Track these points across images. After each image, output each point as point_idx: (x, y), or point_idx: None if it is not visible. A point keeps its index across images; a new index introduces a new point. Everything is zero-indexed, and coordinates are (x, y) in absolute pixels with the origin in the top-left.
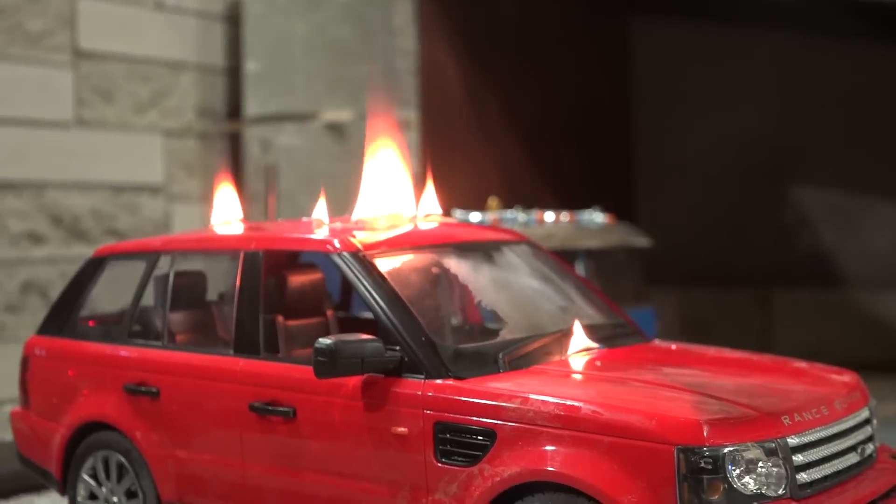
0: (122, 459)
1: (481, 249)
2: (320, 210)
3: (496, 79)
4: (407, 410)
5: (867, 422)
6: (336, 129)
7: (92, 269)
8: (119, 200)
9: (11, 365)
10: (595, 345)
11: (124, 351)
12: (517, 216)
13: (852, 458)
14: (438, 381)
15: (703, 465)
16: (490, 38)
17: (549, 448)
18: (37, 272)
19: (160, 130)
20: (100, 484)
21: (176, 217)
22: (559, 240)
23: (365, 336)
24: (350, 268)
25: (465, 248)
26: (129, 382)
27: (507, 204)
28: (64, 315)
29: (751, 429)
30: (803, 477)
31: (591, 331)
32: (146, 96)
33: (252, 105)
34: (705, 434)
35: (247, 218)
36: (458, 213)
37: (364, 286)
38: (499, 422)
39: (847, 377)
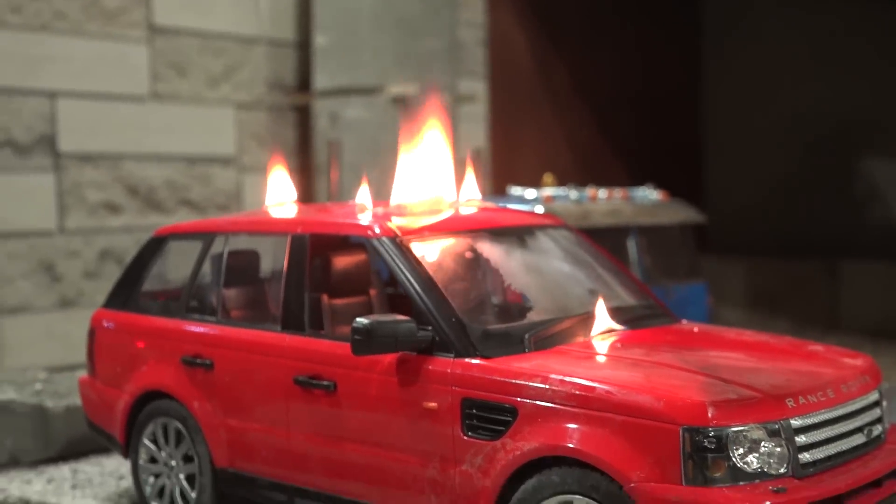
0: (180, 426)
1: (515, 234)
2: (364, 194)
3: (565, 50)
4: (437, 387)
5: (877, 404)
6: (402, 103)
7: (153, 248)
8: (192, 171)
9: (86, 331)
10: (619, 326)
11: (182, 325)
12: (569, 193)
13: (858, 439)
14: (466, 360)
15: (706, 444)
16: (558, 8)
17: (565, 425)
18: (113, 241)
19: (232, 103)
20: (159, 448)
21: (247, 187)
22: (611, 217)
23: (399, 317)
24: (388, 252)
25: (500, 233)
26: (186, 354)
27: (575, 177)
28: (127, 290)
29: (754, 410)
30: (806, 457)
31: (617, 312)
32: (219, 70)
33: (321, 78)
34: (710, 415)
35: (311, 191)
36: (514, 190)
37: (400, 269)
38: (520, 399)
39: (860, 361)
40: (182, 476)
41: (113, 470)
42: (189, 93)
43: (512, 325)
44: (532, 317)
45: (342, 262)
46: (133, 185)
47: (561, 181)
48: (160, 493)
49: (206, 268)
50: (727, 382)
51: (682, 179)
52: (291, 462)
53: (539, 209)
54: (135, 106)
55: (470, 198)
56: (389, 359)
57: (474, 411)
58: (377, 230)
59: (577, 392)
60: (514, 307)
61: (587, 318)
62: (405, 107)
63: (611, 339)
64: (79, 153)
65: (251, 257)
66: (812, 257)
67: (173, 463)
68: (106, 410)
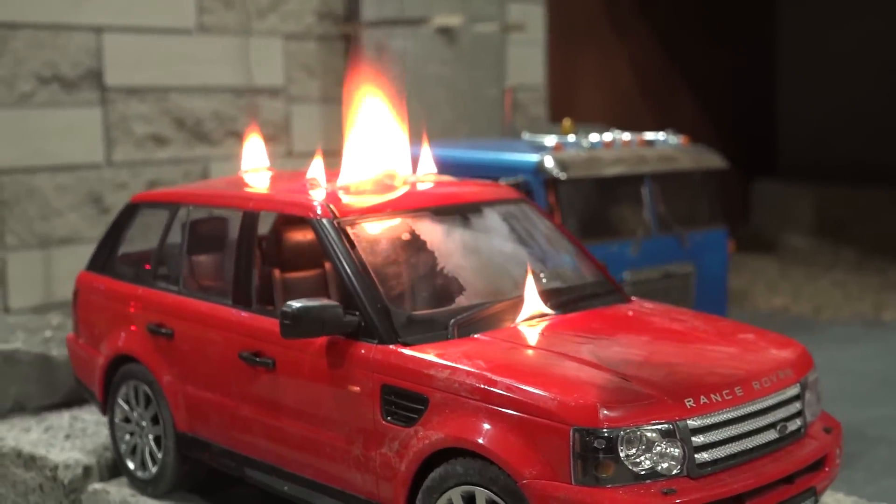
0: (147, 390)
1: (461, 212)
2: (317, 167)
3: None
4: (360, 371)
5: (796, 398)
6: (447, 34)
7: (128, 214)
8: (240, 103)
9: None
10: (549, 311)
11: (148, 293)
12: (581, 141)
13: (769, 436)
14: (388, 347)
15: (596, 445)
16: None
17: (469, 418)
18: (161, 172)
19: (280, 34)
20: (132, 409)
21: (295, 118)
22: (621, 165)
23: (327, 301)
24: (325, 234)
25: (444, 212)
26: (151, 322)
27: (640, 102)
28: (105, 254)
29: (648, 411)
30: (703, 456)
31: (552, 295)
32: (265, 1)
33: (368, 9)
34: (600, 416)
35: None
36: (527, 136)
37: (334, 252)
38: (431, 389)
39: (787, 352)
40: (151, 437)
41: (104, 419)
42: (236, 24)
43: (437, 312)
44: (461, 301)
45: (294, 237)
46: (180, 117)
47: (623, 109)
48: (133, 450)
49: (172, 238)
50: (628, 380)
51: (752, 104)
52: (239, 433)
53: (548, 159)
54: (181, 39)
55: (426, 171)
56: (321, 341)
57: (392, 398)
58: (318, 211)
59: (480, 386)
60: (446, 291)
61: (517, 303)
62: (450, 38)
63: (536, 325)
64: (125, 87)
65: (210, 230)
66: (882, 185)
67: (143, 424)
68: (87, 368)
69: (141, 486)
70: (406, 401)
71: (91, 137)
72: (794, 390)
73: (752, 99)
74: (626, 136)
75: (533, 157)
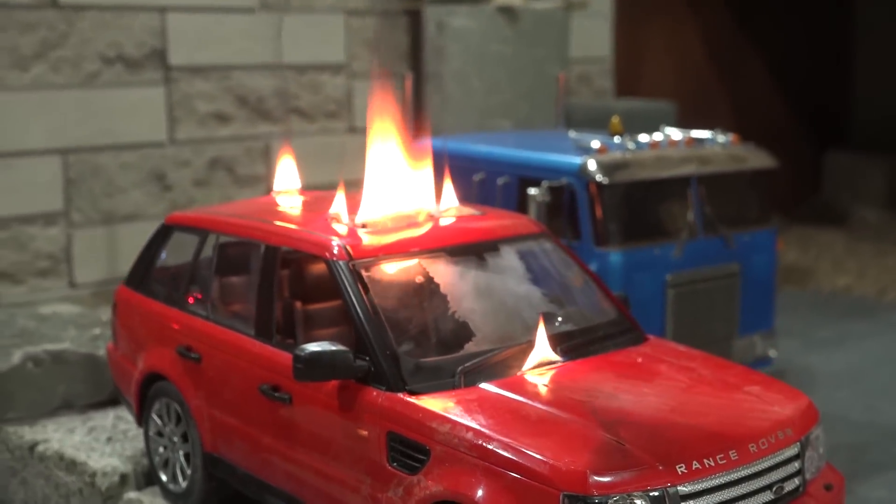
0: (178, 408)
1: (477, 251)
2: (340, 202)
3: None
4: (368, 416)
5: (796, 457)
6: (507, 12)
7: (162, 235)
8: (302, 80)
9: None
10: (557, 358)
11: (179, 315)
12: (626, 142)
13: (764, 498)
14: (395, 394)
15: None
16: None
17: (466, 473)
18: (223, 150)
19: (342, 10)
20: (164, 424)
21: (357, 94)
22: (668, 167)
23: (339, 347)
24: (340, 276)
25: (460, 252)
26: (181, 345)
27: (708, 76)
28: (141, 271)
29: (638, 479)
30: None
31: (561, 340)
32: None
33: None
34: (590, 482)
35: (422, 96)
36: (573, 134)
37: (348, 295)
38: (432, 441)
39: (789, 409)
40: (181, 453)
41: None
42: (298, 1)
43: (444, 359)
44: (470, 348)
45: (315, 269)
46: (242, 95)
47: (692, 81)
48: (165, 463)
49: (202, 262)
50: (622, 442)
51: (826, 73)
52: (259, 461)
53: (591, 162)
54: (244, 17)
55: (448, 205)
56: (333, 383)
57: (397, 445)
58: (334, 252)
59: (478, 443)
60: (456, 337)
61: (525, 349)
62: (510, 16)
63: (542, 375)
64: (189, 66)
65: (240, 258)
66: None
67: (175, 440)
68: (124, 380)
69: (172, 498)
70: (410, 450)
71: (154, 116)
72: (793, 450)
73: (826, 68)
74: (675, 135)
75: (576, 160)
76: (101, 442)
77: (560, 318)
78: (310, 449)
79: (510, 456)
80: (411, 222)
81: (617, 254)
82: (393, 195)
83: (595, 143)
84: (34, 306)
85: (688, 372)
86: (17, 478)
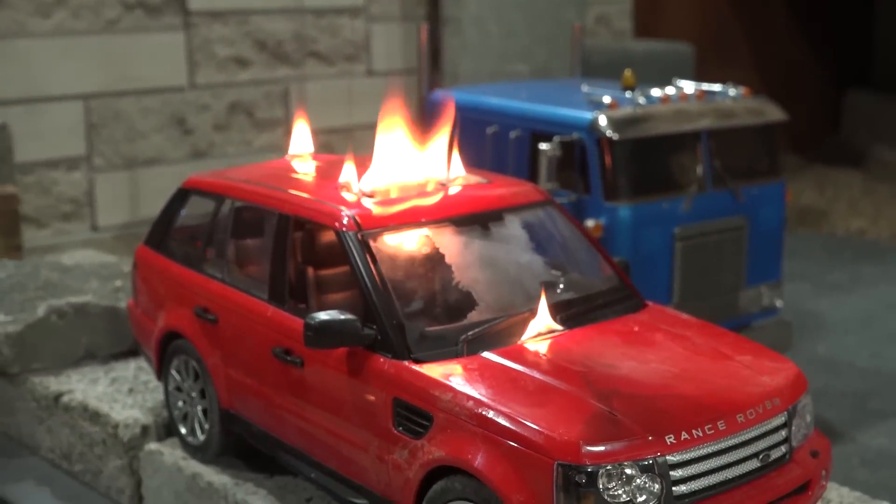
0: (196, 366)
1: (483, 221)
2: (349, 170)
3: None
4: (375, 382)
5: (783, 425)
6: None
7: (179, 198)
8: (320, 23)
9: None
10: (557, 327)
11: (196, 278)
12: (638, 98)
13: (750, 465)
14: (401, 362)
15: (577, 479)
16: None
17: (467, 440)
18: (242, 94)
19: None
20: (183, 380)
21: (375, 37)
22: (678, 122)
23: (347, 315)
24: (349, 246)
25: (466, 222)
26: (198, 306)
27: (728, 18)
28: (160, 233)
29: (629, 449)
30: (681, 489)
31: (564, 308)
32: None
33: None
34: (582, 452)
35: (439, 41)
36: (585, 88)
37: (357, 265)
38: (435, 409)
39: (779, 378)
40: (199, 408)
41: None
42: None
43: (449, 328)
44: (473, 317)
45: (327, 235)
46: (261, 39)
47: (711, 22)
48: (185, 417)
49: (219, 226)
50: (615, 413)
51: (847, 12)
52: (273, 419)
53: (602, 118)
54: None
55: (456, 174)
56: (343, 349)
57: (402, 411)
58: (343, 222)
59: (478, 411)
60: (460, 306)
61: (527, 319)
62: None
63: (540, 343)
64: (208, 10)
65: (255, 223)
66: None
67: (193, 395)
68: (144, 336)
69: (191, 450)
70: (414, 415)
71: (175, 61)
72: (780, 419)
73: (848, 8)
74: (687, 88)
75: (587, 115)
76: (123, 393)
77: (561, 287)
78: (321, 410)
79: (508, 425)
80: (420, 191)
81: (626, 208)
82: (402, 164)
83: (606, 99)
84: (57, 256)
85: (682, 341)
86: (43, 426)
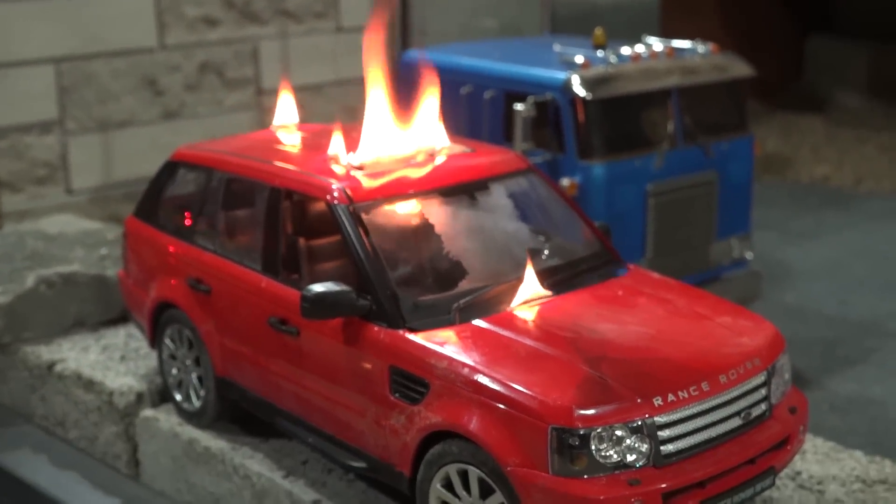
0: (190, 335)
1: (469, 191)
2: (338, 142)
3: None
4: (371, 351)
5: (763, 384)
6: None
7: (168, 171)
8: None
9: (190, 140)
10: (544, 292)
11: (188, 250)
12: (610, 57)
13: (733, 423)
14: (396, 331)
15: (570, 441)
16: None
17: (462, 406)
18: (212, 53)
19: None
20: (176, 348)
21: None
22: (653, 80)
23: (342, 287)
24: (341, 219)
25: (454, 192)
26: (191, 277)
27: None
28: (151, 205)
29: (619, 412)
30: (668, 448)
31: (550, 274)
32: None
33: None
34: (575, 417)
35: None
36: (558, 47)
37: (349, 237)
38: (431, 376)
39: (758, 339)
40: (194, 376)
41: None
42: None
43: (441, 297)
44: (464, 285)
45: (317, 206)
46: None
47: None
48: (179, 384)
49: (210, 199)
50: (604, 377)
51: None
52: (270, 386)
53: (575, 78)
54: None
55: (442, 144)
56: (338, 319)
57: (399, 378)
58: (335, 195)
59: (473, 379)
60: (451, 275)
61: (515, 286)
62: None
63: (529, 309)
64: None
65: (245, 196)
66: None
67: (187, 363)
68: (137, 305)
69: (186, 416)
70: (411, 383)
71: (144, 22)
72: (760, 379)
73: None
74: (656, 45)
75: (560, 76)
76: (115, 361)
77: (547, 253)
78: (317, 377)
79: (503, 391)
80: (408, 163)
81: (600, 166)
82: (390, 135)
83: (579, 58)
84: (39, 223)
85: (664, 304)
86: (36, 394)
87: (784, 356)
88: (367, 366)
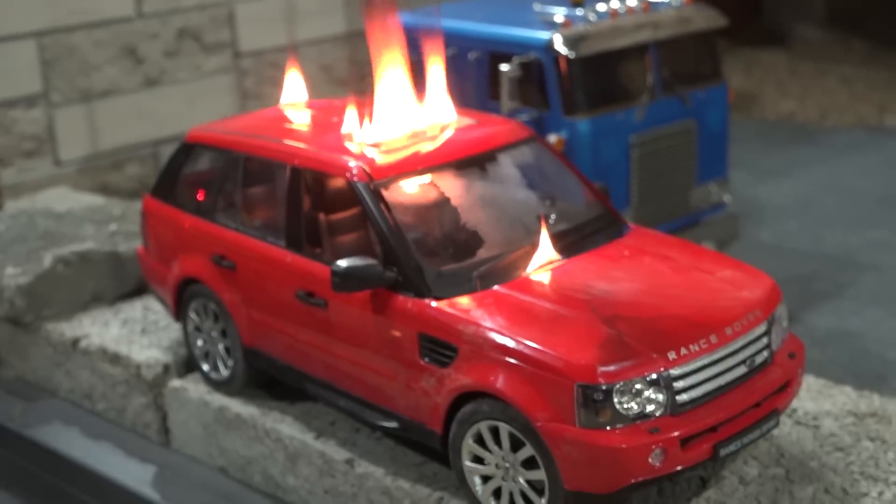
0: (215, 308)
1: (480, 163)
2: (352, 119)
3: None
4: (399, 320)
5: (765, 334)
6: None
7: (184, 153)
8: None
9: (172, 106)
10: (557, 256)
11: (210, 227)
12: (589, 14)
13: (739, 371)
14: (423, 300)
15: (595, 397)
16: None
17: (491, 368)
18: (189, 19)
19: None
20: (202, 321)
21: None
22: (631, 35)
23: (369, 261)
24: (362, 196)
25: (466, 165)
26: (215, 253)
27: None
28: (169, 185)
29: (638, 367)
30: (683, 397)
31: (560, 238)
32: None
33: None
34: (598, 374)
35: None
36: (538, 6)
37: (372, 213)
38: (460, 341)
39: (758, 291)
40: (221, 346)
41: None
42: None
43: (462, 266)
44: (481, 254)
45: (335, 182)
46: None
47: None
48: (206, 355)
49: (229, 178)
50: (621, 335)
51: None
52: (298, 355)
53: (557, 37)
54: None
55: (451, 118)
56: (366, 291)
57: (428, 344)
58: (354, 173)
59: (499, 342)
60: (469, 244)
61: (529, 251)
62: None
63: (545, 274)
64: None
65: (265, 174)
66: None
67: (213, 335)
68: (159, 282)
69: (214, 385)
70: (440, 348)
71: None
72: (762, 328)
73: None
74: (631, 1)
75: (543, 35)
76: (137, 334)
77: (556, 218)
78: (347, 345)
79: (530, 353)
80: (421, 137)
81: (585, 122)
82: (402, 109)
83: (559, 17)
84: (43, 201)
85: (668, 262)
86: (61, 369)
87: (782, 306)
88: (397, 333)
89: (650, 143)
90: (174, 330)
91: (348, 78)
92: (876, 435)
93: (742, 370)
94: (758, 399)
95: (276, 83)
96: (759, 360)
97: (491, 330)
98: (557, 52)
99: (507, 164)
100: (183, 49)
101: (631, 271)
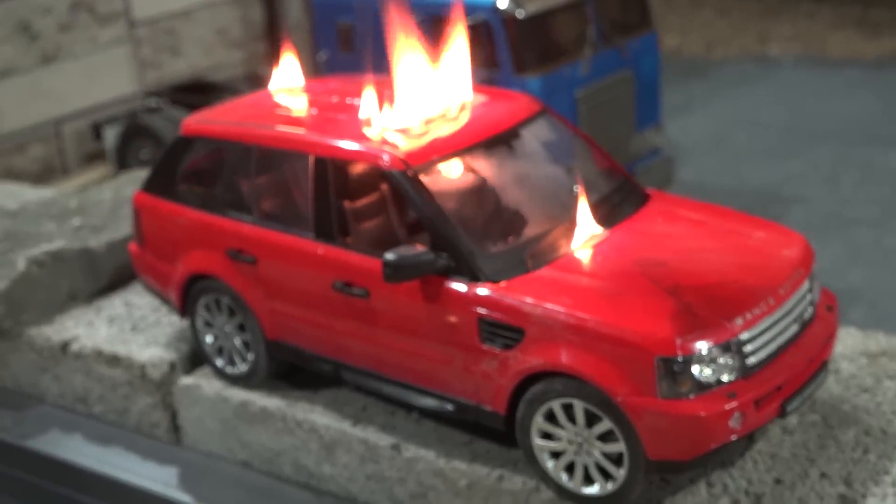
0: (231, 303)
1: (506, 140)
2: (370, 104)
3: None
4: (455, 305)
5: (809, 290)
6: None
7: (182, 147)
8: None
9: (71, 82)
10: (598, 229)
11: (223, 222)
12: None
13: (793, 329)
14: (479, 284)
15: (675, 368)
16: None
17: (564, 347)
18: None
19: None
20: (213, 316)
21: None
22: None
23: (420, 250)
24: (400, 183)
25: (493, 143)
26: (230, 248)
27: None
28: (165, 180)
29: (713, 335)
30: (751, 360)
31: (594, 210)
32: None
33: None
34: (677, 346)
35: None
36: None
37: (415, 202)
38: (526, 323)
39: (796, 250)
40: (237, 341)
41: (158, 305)
42: None
43: (508, 247)
44: (527, 233)
45: (355, 169)
46: None
47: None
48: (219, 350)
49: (238, 171)
50: (691, 307)
51: None
52: (334, 346)
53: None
54: None
55: (469, 97)
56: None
57: (489, 328)
58: (387, 160)
59: (571, 322)
60: (511, 224)
61: (569, 226)
62: None
63: (590, 249)
64: None
65: (282, 166)
66: None
67: (227, 330)
68: (159, 280)
69: (231, 379)
70: (503, 331)
71: None
72: (806, 286)
73: None
74: None
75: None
76: (128, 332)
77: (587, 190)
78: (391, 333)
79: (605, 330)
80: (445, 119)
81: (535, 79)
82: (422, 92)
83: None
84: None
85: (701, 226)
86: (47, 374)
87: (815, 262)
88: (452, 319)
89: (595, 96)
90: (166, 325)
91: (242, 39)
92: (894, 373)
93: (795, 328)
94: (811, 354)
95: (175, 51)
96: (806, 315)
97: (559, 310)
98: (505, 13)
99: (530, 140)
100: (77, 22)
101: (672, 239)
